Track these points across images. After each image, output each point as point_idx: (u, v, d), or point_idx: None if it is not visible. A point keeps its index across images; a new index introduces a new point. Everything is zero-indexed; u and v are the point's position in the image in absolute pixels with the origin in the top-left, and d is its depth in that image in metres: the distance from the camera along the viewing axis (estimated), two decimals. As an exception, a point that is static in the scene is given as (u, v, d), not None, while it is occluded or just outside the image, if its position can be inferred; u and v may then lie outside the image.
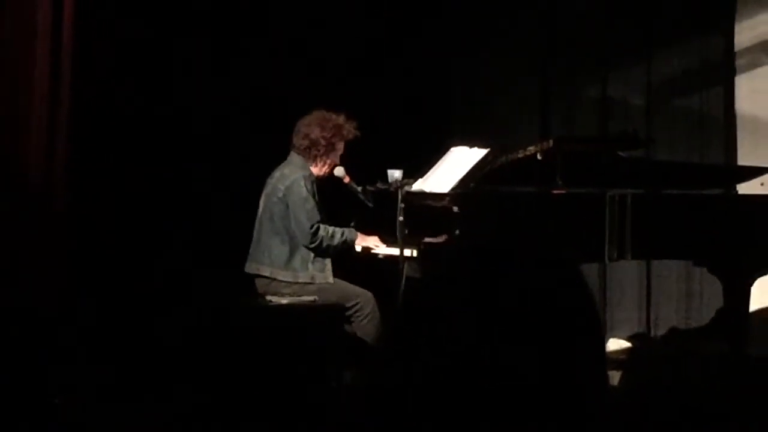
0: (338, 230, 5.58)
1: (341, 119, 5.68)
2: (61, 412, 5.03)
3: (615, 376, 5.49)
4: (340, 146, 5.69)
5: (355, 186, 5.66)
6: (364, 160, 5.70)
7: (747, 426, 4.74)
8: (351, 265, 5.63)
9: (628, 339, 7.09)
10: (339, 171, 5.66)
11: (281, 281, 5.55)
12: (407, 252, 5.24)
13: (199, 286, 5.95)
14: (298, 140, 5.70)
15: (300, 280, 5.55)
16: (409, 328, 5.34)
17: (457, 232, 5.17)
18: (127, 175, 6.16)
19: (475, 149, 5.54)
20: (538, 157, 5.32)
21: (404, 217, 5.18)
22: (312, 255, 5.56)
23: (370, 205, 5.67)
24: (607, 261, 5.40)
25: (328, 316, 5.38)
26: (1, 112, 5.71)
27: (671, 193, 5.55)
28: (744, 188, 5.93)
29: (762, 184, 6.06)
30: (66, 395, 5.14)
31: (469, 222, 5.19)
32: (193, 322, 5.36)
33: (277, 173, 5.70)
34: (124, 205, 6.16)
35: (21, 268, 5.68)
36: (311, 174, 5.64)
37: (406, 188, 5.30)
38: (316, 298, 5.49)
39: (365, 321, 5.51)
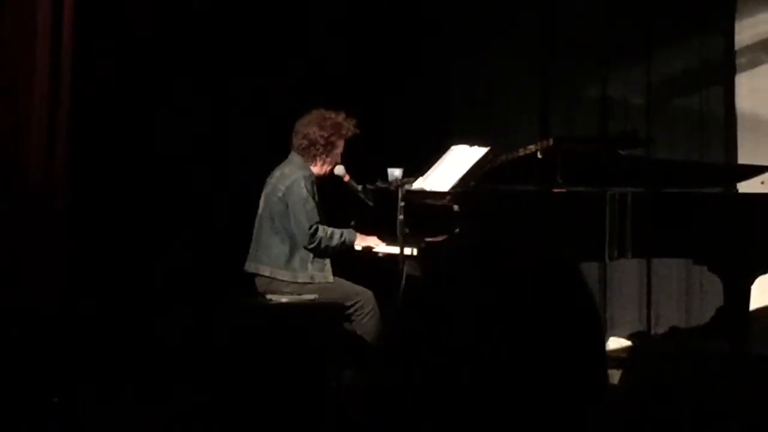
0: (337, 231, 5.57)
1: (340, 118, 5.68)
2: (61, 411, 5.03)
3: (615, 375, 5.49)
4: (340, 145, 5.68)
5: (355, 185, 5.66)
6: (364, 159, 5.70)
7: (747, 424, 4.74)
8: (351, 264, 5.62)
9: (628, 337, 7.08)
10: (339, 170, 5.66)
11: (281, 281, 5.55)
12: (407, 251, 5.23)
13: (199, 286, 5.94)
14: (297, 140, 5.70)
15: (299, 280, 5.54)
16: (409, 327, 5.34)
17: (458, 230, 5.16)
18: (127, 175, 6.15)
19: (476, 148, 5.54)
20: (539, 155, 5.32)
21: (404, 216, 5.17)
22: (311, 255, 5.55)
23: (370, 204, 5.67)
24: (607, 260, 5.39)
25: (328, 314, 5.37)
26: (2, 112, 5.71)
27: (671, 192, 5.54)
28: (744, 187, 5.93)
29: (762, 183, 6.05)
30: (66, 395, 5.13)
31: (470, 221, 5.18)
32: (193, 322, 5.36)
33: (277, 173, 5.69)
34: (124, 205, 6.15)
35: (21, 268, 5.68)
36: (311, 174, 5.64)
37: (406, 187, 5.30)
38: (317, 296, 5.49)
39: (365, 320, 5.50)
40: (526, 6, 7.34)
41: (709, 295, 6.98)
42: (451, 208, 5.24)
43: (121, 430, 4.93)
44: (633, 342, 7.00)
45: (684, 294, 7.20)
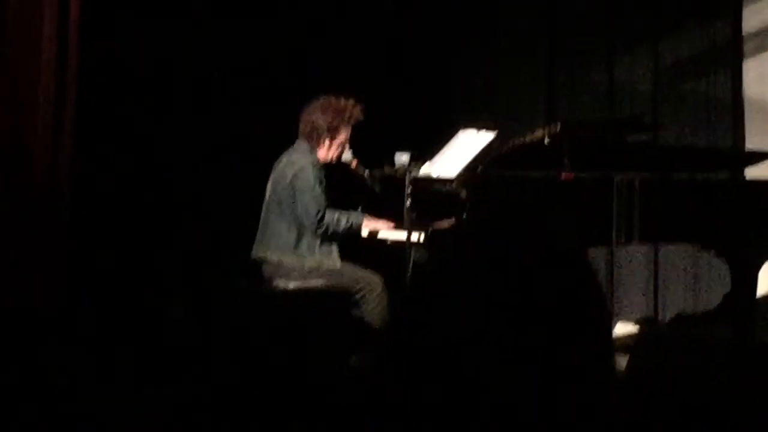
0: (344, 215, 5.56)
1: (344, 103, 5.65)
2: (60, 411, 5.03)
3: (622, 361, 5.47)
4: (344, 130, 5.65)
5: (362, 171, 5.64)
6: (372, 143, 5.69)
7: (753, 412, 4.73)
8: (357, 250, 5.61)
9: (635, 323, 7.08)
10: (347, 157, 5.65)
11: (288, 266, 5.54)
12: (414, 237, 5.22)
13: (199, 285, 5.93)
14: (302, 126, 5.69)
15: (307, 266, 5.53)
16: (415, 314, 5.32)
17: (465, 216, 5.16)
18: (130, 174, 6.15)
19: (483, 132, 5.52)
20: (546, 141, 5.30)
21: (411, 202, 5.16)
22: (319, 240, 5.54)
23: (377, 190, 5.65)
24: (614, 245, 5.38)
25: (335, 300, 5.37)
26: (6, 112, 5.68)
27: (679, 178, 5.53)
28: (752, 172, 5.91)
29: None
30: (66, 395, 5.13)
31: (477, 206, 5.17)
32: (197, 308, 5.35)
33: (284, 158, 5.68)
34: (124, 205, 6.14)
35: (21, 268, 5.66)
36: (318, 161, 5.63)
37: (414, 173, 5.29)
38: (324, 282, 5.48)
39: (373, 305, 5.49)
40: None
41: (716, 281, 6.96)
42: (459, 193, 5.23)
43: (121, 429, 4.92)
44: (640, 327, 6.99)
45: (691, 280, 7.19)
